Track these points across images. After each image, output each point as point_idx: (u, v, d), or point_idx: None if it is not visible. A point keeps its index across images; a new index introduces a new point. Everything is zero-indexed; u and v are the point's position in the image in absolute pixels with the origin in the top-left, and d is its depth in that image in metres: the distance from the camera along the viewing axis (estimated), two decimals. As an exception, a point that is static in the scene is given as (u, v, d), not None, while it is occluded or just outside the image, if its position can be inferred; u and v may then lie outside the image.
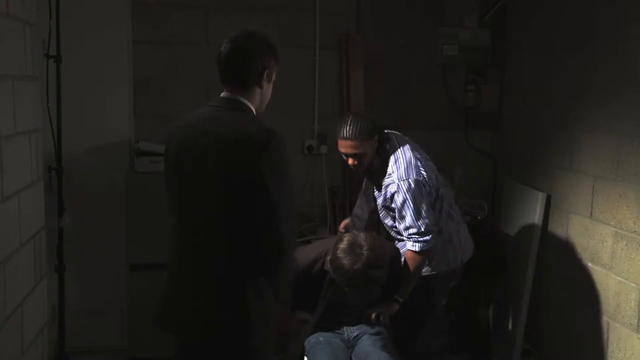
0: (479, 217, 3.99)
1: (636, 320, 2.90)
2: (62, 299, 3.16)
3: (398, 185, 2.82)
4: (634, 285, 2.92)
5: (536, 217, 3.64)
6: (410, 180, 2.82)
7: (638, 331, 2.89)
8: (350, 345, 2.84)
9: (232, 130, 2.08)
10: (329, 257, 2.70)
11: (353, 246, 2.62)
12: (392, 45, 4.16)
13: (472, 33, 4.18)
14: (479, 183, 4.26)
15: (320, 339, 2.80)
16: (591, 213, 3.25)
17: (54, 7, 2.95)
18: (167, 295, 2.23)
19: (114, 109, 3.72)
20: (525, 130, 4.00)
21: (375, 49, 4.13)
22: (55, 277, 3.12)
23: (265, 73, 2.18)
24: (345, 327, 2.86)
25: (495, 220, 4.15)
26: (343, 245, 2.64)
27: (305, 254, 2.83)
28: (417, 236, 2.82)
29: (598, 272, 3.18)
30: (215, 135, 2.08)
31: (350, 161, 2.92)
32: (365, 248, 2.61)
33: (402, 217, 2.83)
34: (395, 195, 2.83)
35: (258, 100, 2.20)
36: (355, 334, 2.84)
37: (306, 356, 2.80)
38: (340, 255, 2.62)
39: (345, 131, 2.86)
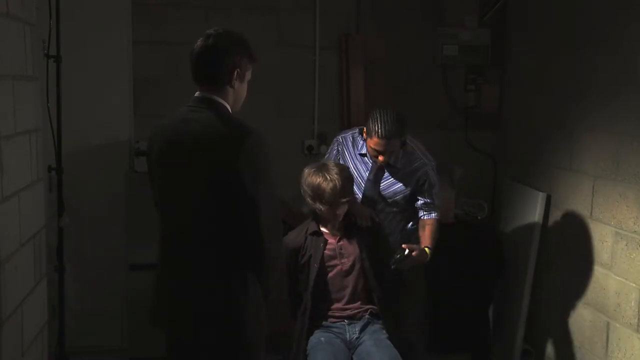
0: (479, 217, 3.99)
1: (636, 320, 2.90)
2: (62, 299, 3.16)
3: (430, 166, 3.05)
4: (634, 285, 2.92)
5: (536, 217, 3.64)
6: (434, 163, 3.08)
7: (638, 331, 2.89)
8: (352, 346, 2.84)
9: (208, 130, 2.10)
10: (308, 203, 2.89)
11: (318, 170, 2.83)
12: (392, 45, 4.16)
13: (472, 33, 4.18)
14: (479, 183, 4.26)
15: (322, 339, 2.80)
16: (591, 213, 3.25)
17: (54, 7, 2.94)
18: (157, 292, 2.26)
19: (114, 109, 3.72)
20: (525, 130, 4.00)
21: (375, 49, 4.13)
22: (55, 277, 3.12)
23: (236, 72, 2.16)
24: (347, 327, 2.86)
25: (495, 220, 4.15)
26: (309, 173, 2.85)
27: (290, 234, 2.99)
28: (438, 209, 3.11)
29: (598, 272, 3.18)
30: (193, 135, 2.10)
31: (380, 158, 2.92)
32: (329, 166, 2.87)
33: (430, 193, 3.07)
34: (430, 175, 3.04)
35: (232, 99, 2.20)
36: (357, 335, 2.84)
37: (307, 356, 2.81)
38: (311, 177, 2.82)
39: (381, 130, 2.84)
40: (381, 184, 3.06)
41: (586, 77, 3.32)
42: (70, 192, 3.25)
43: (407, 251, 2.80)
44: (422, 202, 3.08)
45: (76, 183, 3.54)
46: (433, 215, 3.08)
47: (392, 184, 3.06)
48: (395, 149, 2.93)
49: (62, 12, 2.99)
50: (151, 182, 2.29)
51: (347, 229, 2.93)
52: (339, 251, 2.89)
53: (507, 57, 4.22)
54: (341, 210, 2.84)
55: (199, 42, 2.17)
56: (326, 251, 2.88)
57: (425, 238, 3.01)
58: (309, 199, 2.84)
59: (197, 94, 2.19)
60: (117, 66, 3.71)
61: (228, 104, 2.18)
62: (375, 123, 2.85)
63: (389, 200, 3.08)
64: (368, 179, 3.07)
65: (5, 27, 2.30)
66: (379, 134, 2.84)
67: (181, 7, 3.95)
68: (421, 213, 3.09)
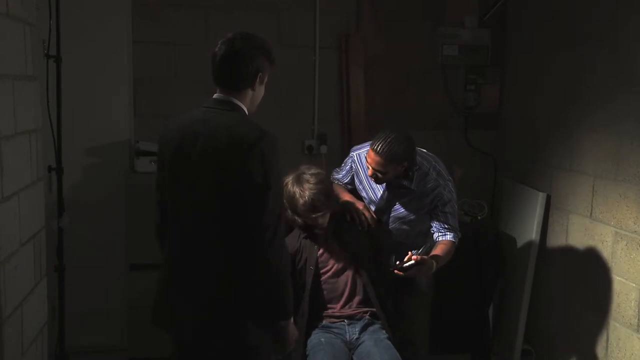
0: (479, 217, 3.99)
1: (636, 320, 2.90)
2: (62, 299, 3.16)
3: (443, 186, 2.92)
4: (634, 285, 2.93)
5: (536, 217, 3.64)
6: (451, 183, 2.96)
7: (638, 331, 2.89)
8: (352, 346, 2.84)
9: (224, 131, 2.10)
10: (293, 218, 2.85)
11: (295, 180, 2.82)
12: (392, 45, 4.15)
13: (472, 33, 4.18)
14: (479, 183, 4.26)
15: (322, 339, 2.81)
16: (591, 213, 3.26)
17: (54, 7, 2.94)
18: (161, 294, 2.25)
19: (114, 108, 3.71)
20: (525, 130, 4.00)
21: (375, 49, 4.13)
22: (55, 277, 3.12)
23: (259, 76, 2.20)
24: (347, 328, 2.86)
25: (495, 220, 4.16)
26: (287, 182, 2.81)
27: (287, 239, 2.92)
28: (457, 231, 2.96)
29: (598, 272, 3.18)
30: (208, 137, 2.11)
31: (369, 172, 2.87)
32: (305, 177, 2.83)
33: (445, 214, 2.94)
34: (444, 195, 2.92)
35: (249, 101, 2.23)
36: (357, 335, 2.84)
37: (307, 357, 2.81)
38: (289, 188, 2.79)
39: (377, 146, 2.78)
40: (395, 204, 3.00)
41: (586, 77, 3.32)
42: (70, 192, 3.25)
43: (412, 262, 2.68)
44: (435, 223, 2.96)
45: (76, 183, 3.54)
46: (448, 237, 2.93)
47: (405, 205, 2.99)
48: (386, 171, 2.83)
49: (62, 12, 2.99)
50: (160, 181, 2.27)
51: (337, 228, 2.93)
52: (332, 251, 2.90)
53: (507, 57, 4.22)
54: (322, 220, 2.83)
55: (221, 45, 2.19)
56: (320, 252, 2.89)
57: (436, 252, 2.87)
58: (288, 210, 2.81)
59: (215, 95, 2.22)
60: (117, 66, 3.70)
61: (245, 106, 2.21)
62: (378, 138, 2.80)
63: (402, 221, 3.02)
64: (382, 197, 3.01)
65: (5, 27, 2.30)
66: (373, 147, 2.79)
67: (181, 7, 3.95)
68: (436, 235, 2.96)
